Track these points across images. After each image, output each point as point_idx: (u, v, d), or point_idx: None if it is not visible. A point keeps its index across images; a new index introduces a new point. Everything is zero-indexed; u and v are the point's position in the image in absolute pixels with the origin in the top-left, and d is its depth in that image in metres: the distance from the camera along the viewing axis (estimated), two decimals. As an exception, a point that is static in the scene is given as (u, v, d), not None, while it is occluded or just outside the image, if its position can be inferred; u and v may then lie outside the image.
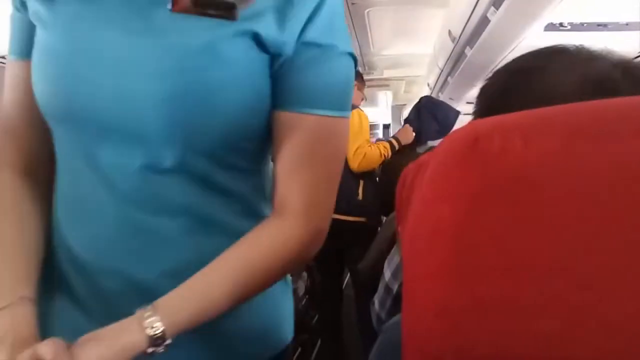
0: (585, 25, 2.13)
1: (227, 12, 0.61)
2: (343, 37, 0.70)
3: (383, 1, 3.27)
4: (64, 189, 0.71)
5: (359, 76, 2.85)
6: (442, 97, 4.52)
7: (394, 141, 2.78)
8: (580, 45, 0.58)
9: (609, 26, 2.11)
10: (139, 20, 0.63)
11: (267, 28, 0.64)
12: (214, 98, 0.63)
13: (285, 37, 0.64)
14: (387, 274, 1.27)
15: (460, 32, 2.77)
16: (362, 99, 2.89)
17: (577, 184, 0.32)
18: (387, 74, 5.69)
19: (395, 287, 1.22)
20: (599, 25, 2.13)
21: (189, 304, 0.61)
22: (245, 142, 0.69)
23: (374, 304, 1.31)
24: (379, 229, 2.35)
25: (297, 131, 0.68)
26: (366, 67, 5.47)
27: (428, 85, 4.88)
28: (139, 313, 0.58)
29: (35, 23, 0.68)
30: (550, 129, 0.35)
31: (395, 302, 1.22)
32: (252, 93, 0.66)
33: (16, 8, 0.71)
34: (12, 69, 0.73)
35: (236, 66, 0.64)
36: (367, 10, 3.46)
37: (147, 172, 0.64)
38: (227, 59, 0.63)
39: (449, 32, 2.98)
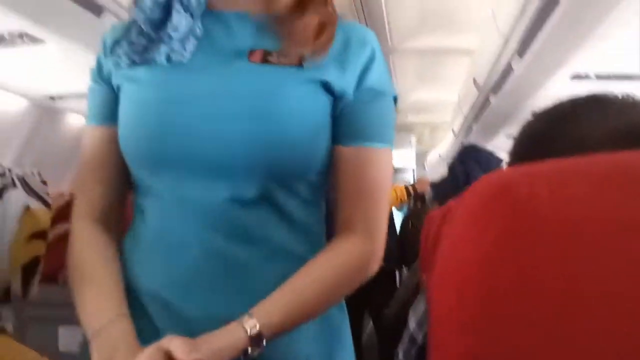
0: (611, 76, 2.13)
1: (296, 62, 0.73)
2: (390, 82, 0.82)
3: (407, 48, 3.34)
4: (148, 226, 0.77)
5: None
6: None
7: (409, 186, 2.80)
8: (616, 95, 0.60)
9: (634, 78, 2.11)
10: (223, 71, 0.74)
11: (330, 75, 0.74)
12: (287, 135, 0.71)
13: (345, 83, 0.75)
14: (411, 324, 1.25)
15: (484, 79, 2.80)
16: None
17: (604, 229, 0.32)
18: (411, 118, 5.74)
19: (420, 338, 1.20)
20: (624, 76, 2.13)
21: (282, 306, 0.69)
22: (313, 174, 0.77)
23: (397, 354, 1.29)
24: (399, 273, 2.33)
25: (357, 162, 0.77)
26: (390, 113, 5.52)
27: (453, 131, 4.89)
28: (239, 319, 0.66)
29: (124, 84, 0.77)
30: (577, 178, 0.35)
31: (420, 353, 1.20)
32: (318, 130, 0.75)
33: (95, 81, 0.82)
34: (91, 133, 0.82)
35: (305, 107, 0.74)
36: (391, 56, 3.53)
37: (232, 203, 0.72)
38: (297, 102, 0.73)
39: (474, 80, 3.01)
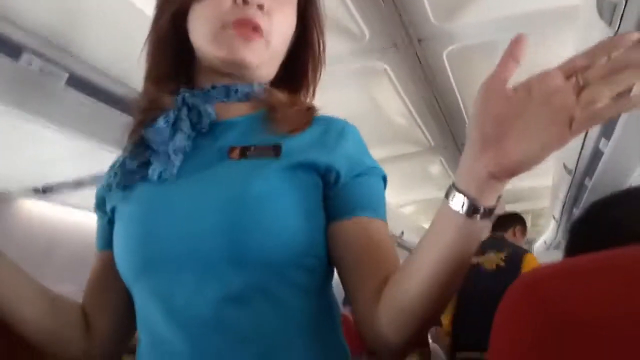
0: None
1: (274, 153, 0.75)
2: (375, 162, 0.82)
3: (492, 140, 3.32)
4: (143, 341, 0.77)
5: (524, 222, 2.94)
6: (571, 229, 4.28)
7: None
8: None
9: None
10: (204, 173, 0.76)
11: (311, 156, 0.76)
12: (266, 220, 0.70)
13: (330, 160, 0.76)
14: None
15: (575, 164, 2.71)
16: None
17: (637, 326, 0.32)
18: (508, 209, 5.54)
19: None
20: None
21: None
22: (310, 258, 0.75)
23: None
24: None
25: (360, 228, 0.75)
26: (485, 204, 5.40)
27: (554, 217, 4.66)
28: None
29: (117, 205, 0.82)
30: (612, 272, 0.36)
31: None
32: (308, 212, 0.74)
33: (96, 211, 0.89)
34: (96, 258, 0.89)
35: (284, 191, 0.73)
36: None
37: (223, 303, 0.69)
38: (274, 187, 0.73)
39: (564, 165, 2.93)
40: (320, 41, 0.91)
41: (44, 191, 2.09)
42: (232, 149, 0.77)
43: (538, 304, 0.36)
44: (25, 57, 1.15)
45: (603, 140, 2.14)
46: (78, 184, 1.96)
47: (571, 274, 0.37)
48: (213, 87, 0.82)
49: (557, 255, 5.44)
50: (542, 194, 4.76)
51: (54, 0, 1.18)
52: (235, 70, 0.81)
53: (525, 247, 3.32)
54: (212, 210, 0.71)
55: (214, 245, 0.69)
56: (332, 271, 0.81)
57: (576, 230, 0.83)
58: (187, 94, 0.81)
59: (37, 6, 1.13)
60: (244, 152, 0.76)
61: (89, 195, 2.12)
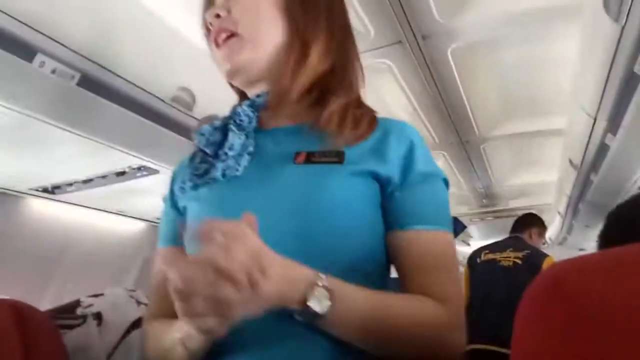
0: None
1: (337, 159, 0.79)
2: (436, 165, 0.86)
3: (496, 136, 3.33)
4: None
5: (542, 224, 2.94)
6: (576, 225, 4.28)
7: None
8: None
9: None
10: (271, 176, 0.81)
11: (372, 165, 0.79)
12: (335, 224, 0.74)
13: (389, 171, 0.80)
14: None
15: (581, 159, 2.71)
16: (543, 243, 3.10)
17: None
18: (512, 204, 5.54)
19: None
20: None
21: (359, 293, 0.70)
22: (369, 263, 0.78)
23: None
24: None
25: (419, 242, 0.78)
26: (490, 200, 5.40)
27: (559, 213, 4.66)
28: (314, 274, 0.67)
29: (189, 204, 0.87)
30: (631, 267, 0.36)
31: None
32: (366, 218, 0.78)
33: (166, 207, 0.94)
34: (161, 253, 0.91)
35: (350, 197, 0.77)
36: (482, 145, 3.53)
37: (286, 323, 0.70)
38: (341, 193, 0.77)
39: (570, 160, 2.92)
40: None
41: (53, 190, 2.11)
42: (297, 154, 0.81)
43: (564, 298, 0.36)
44: (38, 58, 1.16)
45: (609, 135, 2.14)
46: (87, 183, 1.98)
47: (597, 268, 0.37)
48: (258, 96, 0.88)
49: (560, 251, 5.43)
50: (546, 190, 4.75)
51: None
52: (242, 80, 0.89)
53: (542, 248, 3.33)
54: (282, 213, 0.75)
55: (285, 249, 0.69)
56: (389, 275, 0.83)
57: (613, 218, 0.90)
58: (237, 106, 0.88)
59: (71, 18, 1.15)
60: (309, 158, 0.80)
61: (98, 194, 2.15)
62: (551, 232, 5.85)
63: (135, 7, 1.39)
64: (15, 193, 2.12)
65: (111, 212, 2.58)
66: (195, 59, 1.69)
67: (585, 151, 2.56)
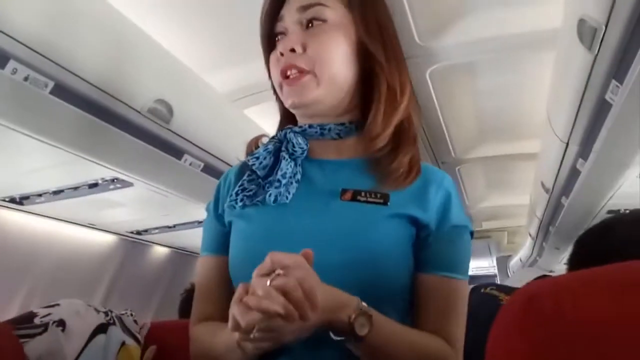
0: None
1: (382, 201, 0.84)
2: (466, 217, 0.91)
3: (471, 158, 3.38)
4: None
5: None
6: (547, 247, 4.35)
7: None
8: None
9: None
10: (318, 209, 0.86)
11: (413, 211, 0.84)
12: (377, 263, 0.80)
13: (428, 218, 0.85)
14: None
15: (552, 183, 2.76)
16: None
17: (630, 336, 0.33)
18: (486, 225, 5.62)
19: None
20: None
21: (388, 322, 0.77)
22: (400, 300, 0.84)
23: None
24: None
25: (443, 288, 0.85)
26: (463, 221, 5.46)
27: (530, 235, 4.73)
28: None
29: (236, 220, 0.91)
30: (599, 287, 0.37)
31: None
32: (402, 258, 0.83)
33: (210, 217, 0.98)
34: (204, 262, 0.96)
35: (391, 239, 0.82)
36: (457, 167, 3.58)
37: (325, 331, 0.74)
38: (384, 234, 0.82)
39: (542, 183, 2.98)
40: (386, 58, 0.91)
41: (21, 201, 2.06)
42: (344, 191, 0.86)
43: (538, 317, 0.37)
44: (10, 65, 1.13)
45: (580, 160, 2.19)
46: (57, 195, 1.94)
47: (570, 288, 0.38)
48: (310, 126, 0.92)
49: (532, 272, 5.50)
50: (519, 212, 4.83)
51: (43, 9, 1.17)
52: (305, 112, 0.92)
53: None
54: (327, 245, 0.79)
55: (324, 277, 0.73)
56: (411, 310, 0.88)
57: (580, 245, 0.96)
58: (288, 130, 0.92)
59: (25, 12, 1.12)
60: (355, 196, 0.85)
61: (67, 205, 2.10)
62: (522, 254, 5.93)
63: (112, 15, 1.37)
64: (-20, 203, 2.06)
65: (81, 225, 2.52)
66: (174, 72, 1.67)
67: (557, 175, 2.61)
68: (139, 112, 1.52)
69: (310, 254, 0.69)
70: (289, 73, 0.87)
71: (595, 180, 2.32)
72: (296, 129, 0.93)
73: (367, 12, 0.91)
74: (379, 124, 0.88)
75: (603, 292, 0.35)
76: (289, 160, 0.89)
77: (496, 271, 8.23)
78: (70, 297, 1.24)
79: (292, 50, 0.87)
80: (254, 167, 0.90)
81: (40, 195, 1.98)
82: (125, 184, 1.87)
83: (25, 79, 1.18)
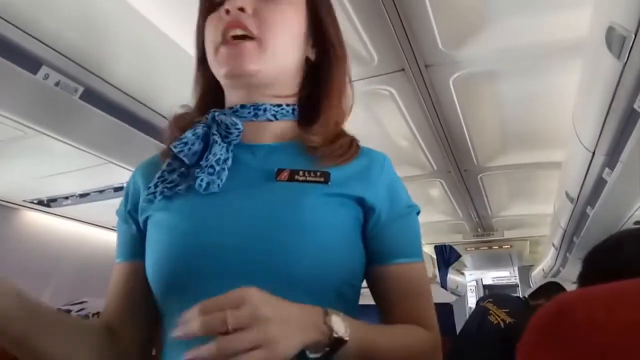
0: None
1: (323, 180, 0.78)
2: (409, 196, 0.87)
3: (494, 166, 3.34)
4: (170, 345, 0.76)
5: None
6: (571, 258, 4.28)
7: None
8: None
9: None
10: (251, 191, 0.78)
11: (357, 190, 0.79)
12: (321, 250, 0.72)
13: (374, 198, 0.80)
14: None
15: (577, 193, 2.72)
16: None
17: None
18: (508, 234, 5.55)
19: None
20: None
21: (368, 327, 0.69)
22: (348, 287, 0.77)
23: None
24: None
25: (404, 276, 0.81)
26: (485, 230, 5.41)
27: (553, 245, 4.66)
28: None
29: (154, 214, 0.81)
30: (633, 298, 0.36)
31: None
32: (350, 243, 0.78)
33: (124, 221, 0.87)
34: (118, 269, 0.86)
35: (331, 217, 0.76)
36: (480, 175, 3.54)
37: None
38: (322, 211, 0.76)
39: (566, 193, 2.94)
40: (335, 45, 0.90)
41: (49, 203, 2.10)
42: (280, 171, 0.79)
43: (569, 328, 0.37)
44: (42, 70, 1.16)
45: (607, 169, 2.15)
46: (84, 197, 1.97)
47: (602, 299, 0.38)
48: (242, 106, 0.85)
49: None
50: (542, 222, 4.77)
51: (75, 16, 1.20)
52: (242, 84, 0.83)
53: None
54: (262, 231, 0.73)
55: (260, 265, 0.70)
56: (359, 298, 0.83)
57: (590, 262, 0.95)
58: (216, 112, 0.83)
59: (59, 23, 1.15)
60: (293, 176, 0.78)
61: (93, 208, 2.14)
62: (545, 264, 5.85)
63: (141, 23, 1.40)
64: (9, 205, 2.10)
65: (105, 227, 2.56)
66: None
67: (582, 185, 2.57)
68: (164, 118, 1.54)
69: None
70: (232, 33, 0.79)
71: (622, 191, 2.29)
72: (226, 110, 0.85)
73: (321, 1, 0.89)
74: (329, 122, 0.85)
75: (637, 302, 0.35)
76: (221, 144, 0.80)
77: (518, 281, 8.13)
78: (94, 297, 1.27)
79: (242, 9, 0.79)
80: (181, 155, 0.80)
81: (67, 197, 2.02)
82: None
83: (57, 84, 1.21)
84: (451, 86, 2.27)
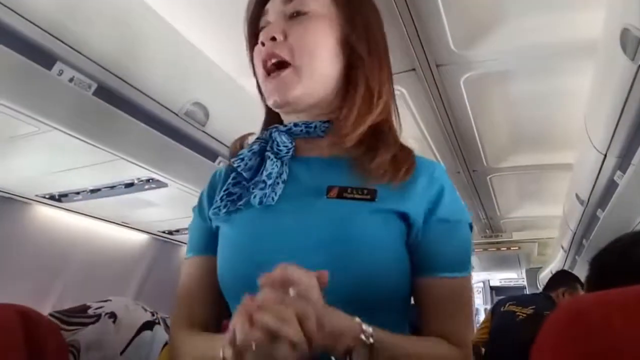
0: None
1: (369, 197, 0.80)
2: (464, 209, 0.87)
3: (504, 167, 3.33)
4: None
5: (574, 284, 2.85)
6: (580, 261, 4.25)
7: None
8: None
9: None
10: (304, 208, 0.82)
11: (401, 206, 0.80)
12: (363, 258, 0.76)
13: (416, 213, 0.81)
14: None
15: (588, 195, 2.70)
16: None
17: None
18: (516, 236, 5.53)
19: None
20: None
21: (394, 337, 0.71)
22: (394, 298, 0.81)
23: None
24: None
25: (443, 291, 0.82)
26: (493, 231, 5.38)
27: (562, 248, 4.63)
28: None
29: (222, 225, 0.89)
30: None
31: None
32: (397, 256, 0.80)
33: (196, 217, 0.95)
34: (190, 263, 0.93)
35: (378, 233, 0.79)
36: (489, 176, 3.53)
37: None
38: (370, 228, 0.78)
39: (576, 195, 2.92)
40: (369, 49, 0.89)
41: (60, 198, 2.11)
42: (330, 189, 0.82)
43: (585, 330, 0.36)
44: (57, 66, 1.17)
45: (618, 172, 2.14)
46: (94, 193, 1.99)
47: (618, 302, 0.37)
48: (295, 125, 0.89)
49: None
50: (551, 224, 4.74)
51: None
52: (289, 110, 0.89)
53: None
54: (314, 247, 0.77)
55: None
56: (410, 307, 0.86)
57: (597, 266, 0.94)
58: (273, 130, 0.90)
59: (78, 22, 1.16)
60: (341, 193, 0.81)
61: (104, 204, 2.15)
62: (553, 267, 5.81)
63: (154, 20, 1.40)
64: (22, 199, 2.12)
65: (115, 223, 2.58)
66: (211, 75, 1.70)
67: (593, 187, 2.55)
68: (176, 115, 1.55)
69: (324, 275, 0.64)
70: (269, 63, 0.85)
71: (634, 194, 2.27)
72: (281, 128, 0.90)
73: (352, 6, 0.89)
74: (349, 124, 0.85)
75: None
76: (274, 160, 0.86)
77: (525, 283, 8.09)
78: (102, 292, 1.30)
79: (273, 38, 0.85)
80: (239, 169, 0.88)
81: (78, 193, 2.03)
82: (160, 184, 1.91)
83: (71, 80, 1.22)
84: (462, 86, 2.26)
